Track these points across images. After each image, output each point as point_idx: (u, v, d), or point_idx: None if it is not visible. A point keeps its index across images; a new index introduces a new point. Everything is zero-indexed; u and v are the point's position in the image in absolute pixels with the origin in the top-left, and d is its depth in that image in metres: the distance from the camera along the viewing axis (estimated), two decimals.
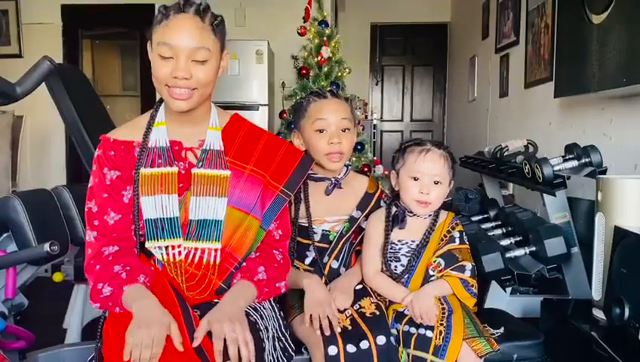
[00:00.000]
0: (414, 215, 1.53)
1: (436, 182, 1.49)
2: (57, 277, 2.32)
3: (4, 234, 1.76)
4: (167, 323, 1.08)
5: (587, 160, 2.03)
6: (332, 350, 1.27)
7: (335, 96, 1.59)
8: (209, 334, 1.11)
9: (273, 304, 1.37)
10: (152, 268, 1.28)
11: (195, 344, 1.09)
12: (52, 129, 4.70)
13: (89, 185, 1.32)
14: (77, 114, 2.06)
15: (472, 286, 1.48)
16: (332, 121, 1.54)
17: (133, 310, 1.13)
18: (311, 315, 1.33)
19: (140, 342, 1.03)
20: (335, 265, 1.57)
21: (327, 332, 1.29)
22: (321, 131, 1.54)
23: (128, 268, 1.22)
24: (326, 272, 1.54)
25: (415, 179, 1.49)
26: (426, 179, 1.48)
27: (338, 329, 1.30)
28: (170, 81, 1.23)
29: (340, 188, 1.60)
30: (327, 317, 1.32)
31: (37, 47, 4.61)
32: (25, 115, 4.56)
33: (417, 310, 1.38)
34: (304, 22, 3.48)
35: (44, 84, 1.93)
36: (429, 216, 1.54)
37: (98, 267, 1.23)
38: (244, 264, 1.32)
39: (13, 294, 1.73)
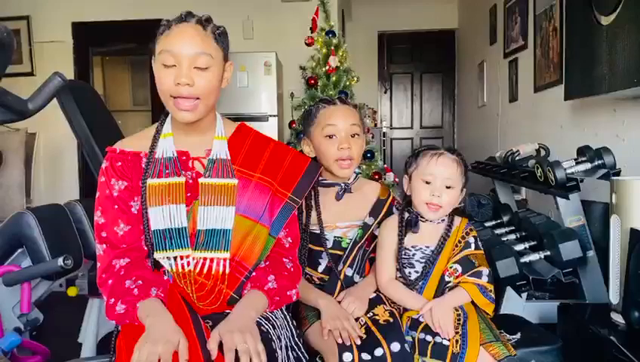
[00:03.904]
0: (427, 220, 1.52)
1: (448, 187, 1.48)
2: (72, 291, 2.33)
3: (19, 250, 1.78)
4: (175, 341, 1.07)
5: (600, 162, 2.01)
6: (347, 357, 1.26)
7: (344, 103, 1.60)
8: (220, 346, 1.10)
9: (285, 313, 1.36)
10: (165, 279, 1.28)
11: (213, 356, 1.08)
12: (65, 145, 4.75)
13: (96, 197, 1.32)
14: (88, 128, 2.08)
15: (490, 291, 1.46)
16: (341, 127, 1.54)
17: (145, 325, 1.13)
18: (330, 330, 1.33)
19: (144, 358, 1.03)
20: (349, 272, 1.56)
21: (348, 342, 1.28)
22: (330, 137, 1.55)
23: (140, 282, 1.21)
24: (341, 278, 1.54)
25: (427, 182, 1.49)
26: (438, 182, 1.48)
27: (358, 341, 1.29)
28: (174, 90, 1.24)
29: (350, 192, 1.59)
30: (347, 330, 1.31)
31: (49, 64, 4.68)
32: (38, 131, 4.61)
33: (437, 321, 1.37)
34: (311, 32, 3.49)
35: (55, 100, 1.95)
36: (443, 221, 1.53)
37: (110, 282, 1.23)
38: (253, 274, 1.32)
39: (28, 309, 1.74)
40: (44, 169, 4.80)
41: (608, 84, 2.27)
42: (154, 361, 1.02)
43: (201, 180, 1.31)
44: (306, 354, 1.34)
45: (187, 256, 1.28)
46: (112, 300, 1.20)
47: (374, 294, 1.52)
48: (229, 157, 1.35)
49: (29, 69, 4.82)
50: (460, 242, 1.51)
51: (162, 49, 1.25)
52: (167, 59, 1.24)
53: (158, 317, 1.14)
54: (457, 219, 1.56)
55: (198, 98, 1.26)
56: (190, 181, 1.32)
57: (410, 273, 1.50)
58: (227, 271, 1.29)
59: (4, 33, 1.32)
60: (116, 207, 1.29)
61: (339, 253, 1.57)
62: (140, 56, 6.13)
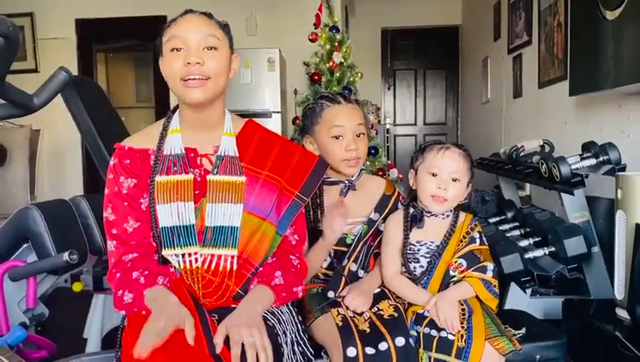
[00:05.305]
0: (432, 215, 1.52)
1: (454, 180, 1.48)
2: (77, 286, 2.34)
3: (24, 245, 1.78)
4: (178, 318, 1.08)
5: (605, 157, 2.00)
6: (351, 351, 1.26)
7: (348, 101, 1.59)
8: (226, 340, 1.11)
9: (291, 308, 1.37)
10: (171, 271, 1.29)
11: (218, 350, 1.09)
12: (68, 141, 4.76)
13: (105, 194, 1.33)
14: (92, 124, 2.08)
15: (495, 286, 1.46)
16: (349, 128, 1.54)
17: (152, 309, 1.14)
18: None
19: (149, 334, 1.04)
20: (354, 267, 1.56)
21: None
22: (337, 138, 1.54)
23: (147, 272, 1.23)
24: (345, 273, 1.54)
25: (433, 175, 1.49)
26: (444, 174, 1.48)
27: None
28: (184, 72, 1.25)
29: (354, 189, 1.59)
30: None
31: (52, 61, 4.69)
32: (42, 128, 4.63)
33: (442, 316, 1.37)
34: (315, 28, 3.48)
35: (60, 97, 1.95)
36: (448, 216, 1.53)
37: (118, 275, 1.25)
38: (260, 269, 1.32)
39: (34, 304, 1.74)
40: (48, 165, 4.81)
41: (613, 80, 2.27)
42: (155, 334, 1.04)
43: (209, 177, 1.31)
44: (311, 349, 1.34)
45: (195, 253, 1.29)
46: (120, 291, 1.21)
47: (379, 289, 1.52)
48: (237, 154, 1.35)
49: (32, 65, 4.84)
50: (464, 237, 1.51)
51: (170, 36, 1.27)
52: (176, 43, 1.26)
53: (164, 299, 1.16)
54: (462, 215, 1.56)
55: (208, 78, 1.26)
56: (198, 178, 1.32)
57: (415, 268, 1.50)
58: (235, 268, 1.30)
59: (10, 27, 1.32)
60: (126, 204, 1.30)
61: (343, 248, 1.57)
62: (144, 52, 6.12)
